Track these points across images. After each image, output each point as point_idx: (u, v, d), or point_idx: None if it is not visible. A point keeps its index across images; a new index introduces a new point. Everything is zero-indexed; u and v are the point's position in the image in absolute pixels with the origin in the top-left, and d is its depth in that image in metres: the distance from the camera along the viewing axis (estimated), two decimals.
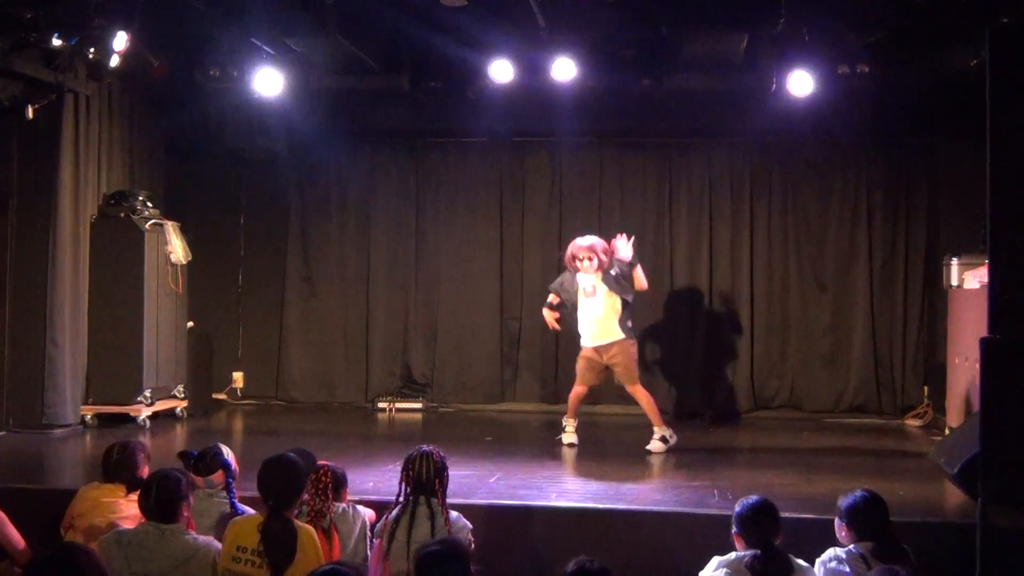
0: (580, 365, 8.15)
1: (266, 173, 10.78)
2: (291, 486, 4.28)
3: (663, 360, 10.32)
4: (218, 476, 4.65)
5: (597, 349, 8.01)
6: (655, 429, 8.00)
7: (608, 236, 10.36)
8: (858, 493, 4.55)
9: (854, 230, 10.21)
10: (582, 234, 10.37)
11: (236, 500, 4.61)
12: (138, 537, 4.24)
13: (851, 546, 4.42)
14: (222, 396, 10.69)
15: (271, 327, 10.81)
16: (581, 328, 8.10)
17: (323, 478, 4.53)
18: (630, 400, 10.27)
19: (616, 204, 10.50)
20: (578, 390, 8.20)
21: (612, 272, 7.94)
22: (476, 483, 6.56)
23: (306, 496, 4.43)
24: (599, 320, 7.98)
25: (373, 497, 5.66)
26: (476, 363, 10.58)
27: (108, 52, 8.09)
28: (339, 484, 4.73)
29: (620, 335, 7.95)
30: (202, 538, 4.33)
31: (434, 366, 10.63)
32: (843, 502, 4.55)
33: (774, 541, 4.26)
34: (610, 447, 8.56)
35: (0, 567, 4.66)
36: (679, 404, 10.22)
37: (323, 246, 10.80)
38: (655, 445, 7.94)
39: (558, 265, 10.48)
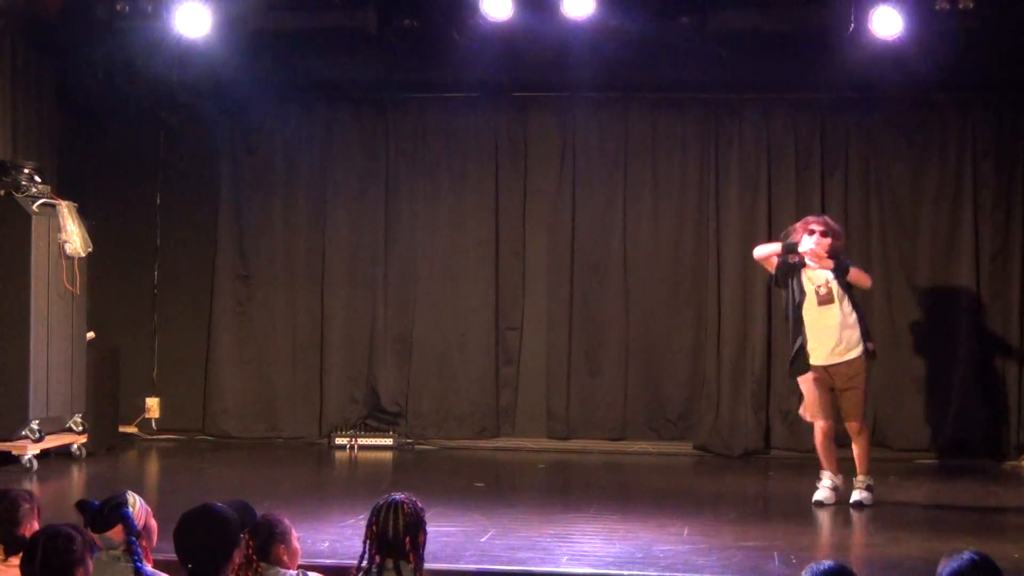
0: (812, 392, 7.96)
1: (190, 138, 10.75)
2: (218, 546, 4.24)
3: (706, 382, 10.30)
4: (117, 532, 4.61)
5: (828, 368, 7.92)
6: (860, 478, 7.97)
7: (634, 218, 10.46)
8: (965, 556, 4.50)
9: (955, 212, 10.19)
10: (602, 219, 10.50)
11: (145, 564, 4.57)
12: None
13: None
14: (132, 429, 10.67)
15: (196, 340, 10.78)
16: (808, 340, 7.94)
17: (258, 532, 4.49)
18: (664, 436, 10.41)
19: (646, 179, 10.48)
20: (822, 426, 7.98)
21: (845, 264, 7.91)
22: (464, 542, 6.53)
23: (237, 561, 4.40)
24: (837, 328, 7.88)
25: (328, 561, 5.64)
26: (464, 386, 10.56)
27: None
28: (271, 539, 4.69)
29: (860, 350, 7.89)
30: None
31: (409, 390, 10.61)
32: (944, 568, 4.50)
33: None
34: (638, 495, 8.53)
35: None
36: (727, 440, 10.20)
37: (264, 234, 10.77)
38: (864, 495, 7.95)
39: (571, 258, 10.51)
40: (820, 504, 7.94)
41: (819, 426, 8.00)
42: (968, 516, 7.89)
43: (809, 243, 7.86)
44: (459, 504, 7.64)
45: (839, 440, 8.11)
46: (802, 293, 7.93)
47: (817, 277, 7.89)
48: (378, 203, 10.68)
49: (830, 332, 7.86)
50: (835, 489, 8.00)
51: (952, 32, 8.61)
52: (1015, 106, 10.16)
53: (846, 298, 7.87)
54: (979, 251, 10.14)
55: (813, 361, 7.88)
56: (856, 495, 7.94)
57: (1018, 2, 8.65)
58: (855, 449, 8.02)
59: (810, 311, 7.90)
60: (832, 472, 8.01)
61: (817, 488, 8.01)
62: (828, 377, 7.93)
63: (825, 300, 7.87)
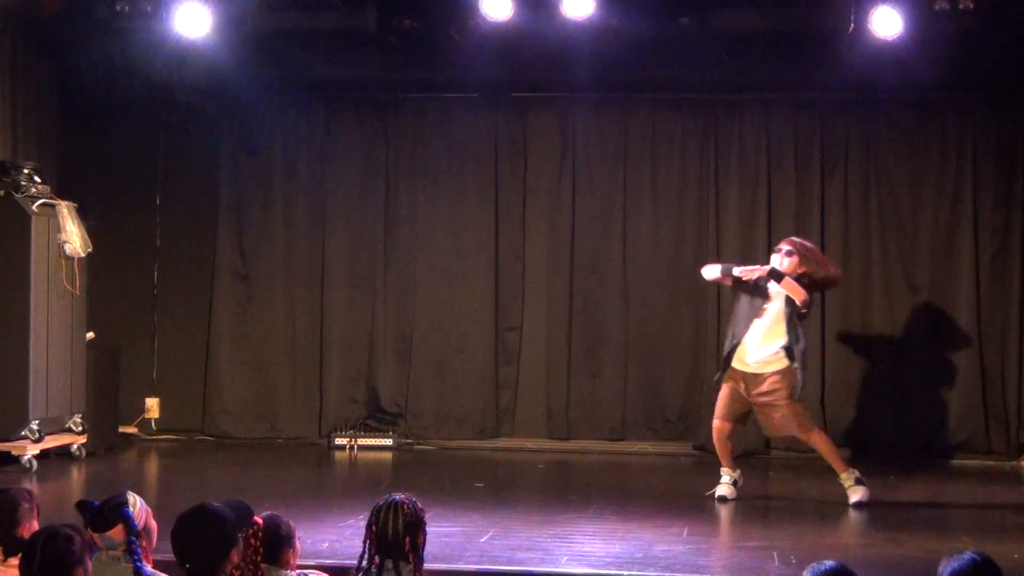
0: (722, 390, 8.14)
1: (190, 138, 10.75)
2: (215, 544, 4.24)
3: (706, 383, 10.27)
4: (117, 532, 4.61)
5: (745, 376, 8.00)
6: (842, 477, 8.02)
7: (634, 218, 10.46)
8: (966, 556, 4.49)
9: (955, 213, 10.18)
10: (602, 219, 10.49)
11: (145, 565, 4.57)
12: None
13: None
14: (132, 429, 10.66)
15: (196, 340, 10.77)
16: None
17: (258, 535, 4.48)
18: (664, 436, 10.40)
19: (645, 180, 10.48)
20: (715, 425, 8.15)
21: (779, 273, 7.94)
22: (463, 543, 6.53)
23: (235, 560, 4.39)
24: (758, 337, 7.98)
25: (329, 561, 5.64)
26: (463, 387, 10.56)
27: None
28: (280, 543, 4.68)
29: (777, 367, 7.91)
30: None
31: (408, 390, 10.61)
32: (945, 568, 4.49)
33: None
34: (638, 495, 8.52)
35: None
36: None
37: (264, 234, 10.77)
38: (860, 494, 7.96)
39: (570, 259, 10.50)
40: (722, 499, 8.04)
41: (713, 424, 8.15)
42: (968, 516, 7.90)
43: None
44: (459, 504, 7.64)
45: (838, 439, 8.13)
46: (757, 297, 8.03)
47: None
48: (378, 203, 10.68)
49: (752, 338, 7.94)
50: (734, 484, 8.11)
51: (952, 32, 8.62)
52: (1015, 106, 10.16)
53: (782, 319, 7.88)
54: (979, 251, 10.14)
55: (735, 364, 7.99)
56: (851, 497, 7.94)
57: (1018, 2, 8.64)
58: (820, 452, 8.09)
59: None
60: (729, 468, 8.13)
61: (718, 484, 8.14)
62: (741, 383, 7.97)
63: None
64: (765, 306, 7.98)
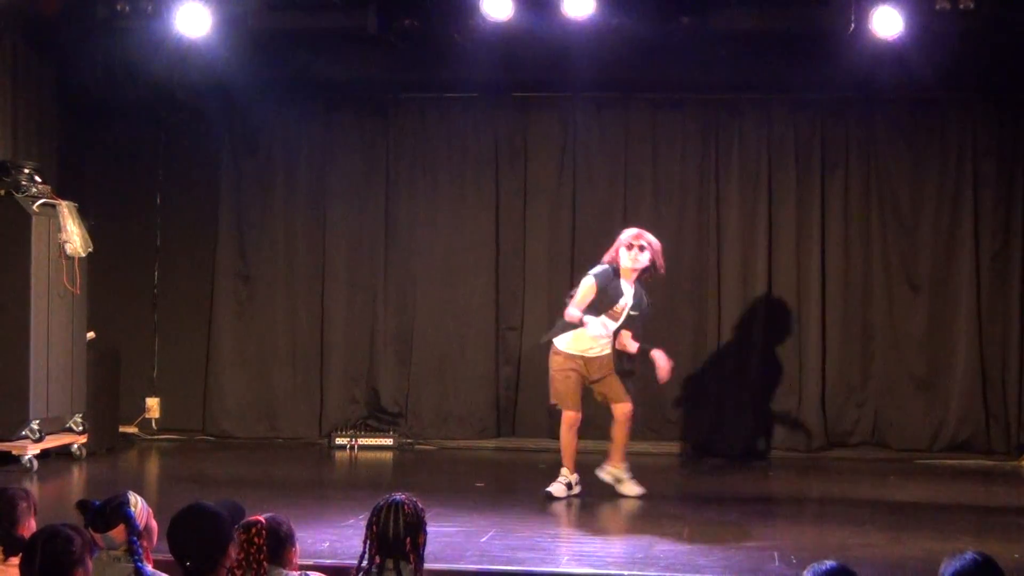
0: (566, 382, 8.21)
1: (190, 138, 10.76)
2: (211, 542, 4.25)
3: (706, 383, 10.29)
4: (119, 532, 4.61)
5: (587, 360, 8.11)
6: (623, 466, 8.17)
7: (635, 217, 10.44)
8: (968, 556, 4.48)
9: (956, 212, 10.18)
10: (603, 219, 10.48)
11: (146, 565, 4.57)
12: None
13: None
14: (132, 429, 10.67)
15: (196, 340, 10.78)
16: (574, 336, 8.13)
17: (261, 533, 4.48)
18: (664, 436, 10.39)
19: (646, 179, 10.48)
20: (573, 416, 8.26)
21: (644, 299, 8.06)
22: (464, 542, 6.53)
23: (233, 556, 4.40)
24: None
25: (329, 561, 5.65)
26: (464, 386, 10.56)
27: None
28: (282, 543, 4.68)
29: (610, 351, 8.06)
30: None
31: (409, 390, 10.61)
32: (946, 568, 4.48)
33: None
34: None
35: None
36: (728, 440, 10.18)
37: (264, 234, 10.77)
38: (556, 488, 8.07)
39: (571, 259, 10.50)
40: (550, 496, 8.03)
41: (570, 418, 8.21)
42: (968, 516, 7.89)
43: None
44: (459, 504, 7.63)
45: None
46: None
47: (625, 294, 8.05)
48: (378, 203, 10.68)
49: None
50: (569, 486, 8.13)
51: (953, 32, 8.63)
52: (1015, 106, 10.17)
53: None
54: (979, 251, 10.14)
55: (573, 349, 8.10)
56: (631, 490, 8.08)
57: (1018, 2, 8.64)
58: (619, 434, 8.20)
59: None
60: (570, 470, 8.17)
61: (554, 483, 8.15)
62: (584, 369, 8.10)
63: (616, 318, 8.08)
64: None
